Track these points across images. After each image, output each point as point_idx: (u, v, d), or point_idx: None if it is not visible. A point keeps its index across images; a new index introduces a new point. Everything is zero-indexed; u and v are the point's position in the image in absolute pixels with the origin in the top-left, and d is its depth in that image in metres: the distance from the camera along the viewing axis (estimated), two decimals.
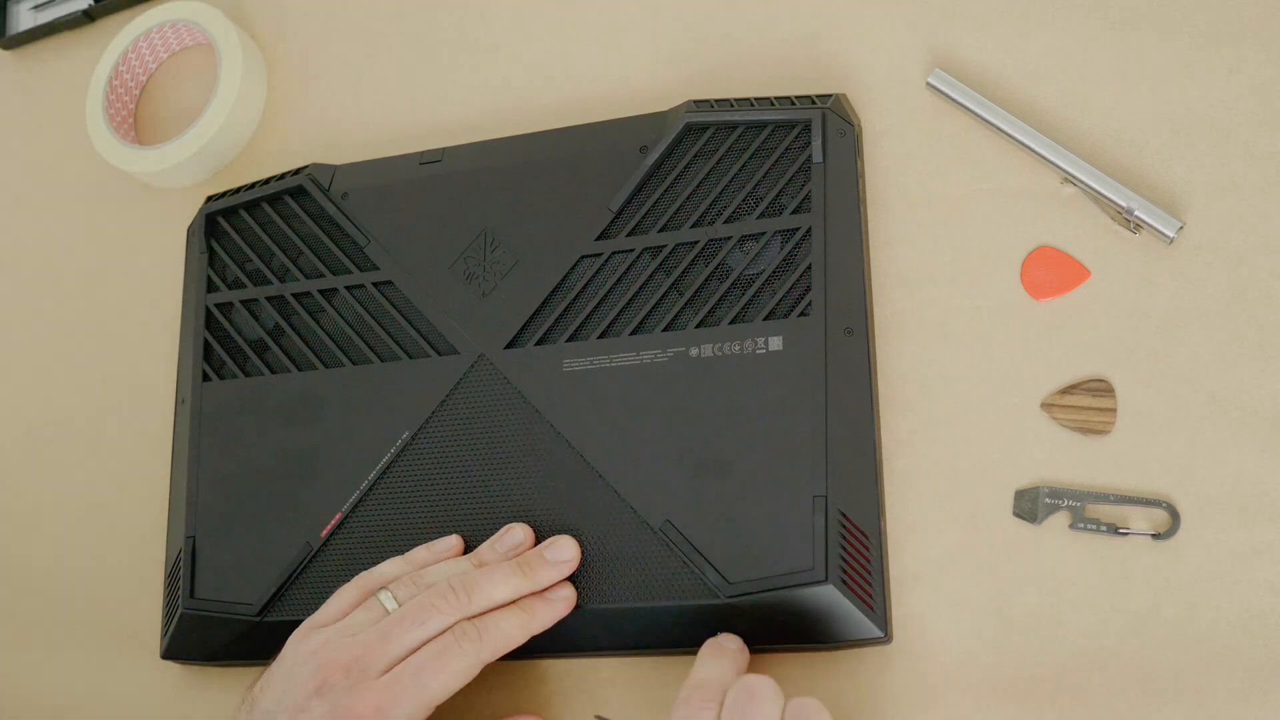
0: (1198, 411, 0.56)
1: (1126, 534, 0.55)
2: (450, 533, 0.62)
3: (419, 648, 0.56)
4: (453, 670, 0.55)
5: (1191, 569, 0.54)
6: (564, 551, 0.59)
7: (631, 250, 0.64)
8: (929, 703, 0.56)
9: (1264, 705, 0.52)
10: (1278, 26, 0.61)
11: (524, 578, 0.58)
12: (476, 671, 0.56)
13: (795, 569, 0.56)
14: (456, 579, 0.57)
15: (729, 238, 0.62)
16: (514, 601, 0.58)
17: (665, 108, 0.68)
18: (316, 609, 0.63)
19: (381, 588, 0.58)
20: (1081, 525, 0.56)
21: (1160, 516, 0.55)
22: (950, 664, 0.56)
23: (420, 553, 0.61)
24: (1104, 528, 0.56)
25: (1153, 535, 0.55)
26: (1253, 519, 0.54)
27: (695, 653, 0.58)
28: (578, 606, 0.59)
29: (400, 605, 0.57)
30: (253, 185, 0.74)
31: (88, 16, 0.86)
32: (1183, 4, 0.62)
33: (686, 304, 0.62)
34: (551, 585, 0.58)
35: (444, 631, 0.56)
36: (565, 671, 0.61)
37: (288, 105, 0.80)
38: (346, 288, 0.69)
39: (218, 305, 0.72)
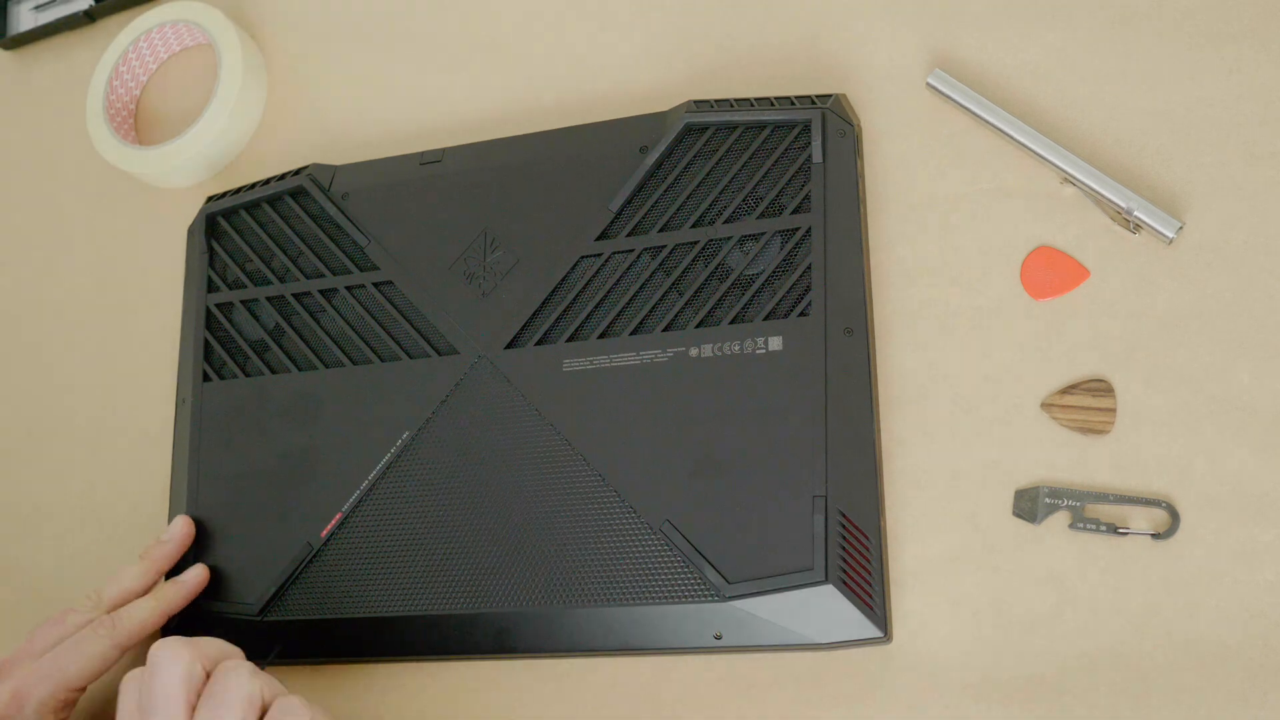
0: (1198, 411, 0.56)
1: (1126, 534, 0.55)
2: (449, 531, 0.62)
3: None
4: (89, 654, 0.61)
5: (1191, 569, 0.54)
6: (172, 529, 0.67)
7: (631, 250, 0.64)
8: (929, 702, 0.56)
9: (1264, 705, 0.52)
10: (1278, 26, 0.61)
11: (145, 562, 0.66)
12: (116, 655, 0.62)
13: (795, 569, 0.56)
14: (95, 588, 0.65)
15: (729, 238, 0.62)
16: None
17: (665, 108, 0.68)
18: (317, 608, 0.64)
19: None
20: (1081, 525, 0.56)
21: (1160, 516, 0.55)
22: (950, 664, 0.56)
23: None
24: (1104, 528, 0.56)
25: (1153, 535, 0.55)
26: (1253, 519, 0.54)
27: (695, 653, 0.58)
28: (577, 606, 0.59)
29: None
30: (253, 185, 0.74)
31: (88, 17, 0.87)
32: (1183, 4, 0.62)
33: (686, 304, 0.62)
34: (187, 571, 0.66)
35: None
36: (565, 671, 0.61)
37: (288, 105, 0.80)
38: (347, 288, 0.69)
39: (218, 305, 0.72)
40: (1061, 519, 0.56)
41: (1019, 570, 0.56)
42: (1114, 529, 0.55)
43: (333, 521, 0.65)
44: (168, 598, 0.64)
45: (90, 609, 0.63)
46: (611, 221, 0.65)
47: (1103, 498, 0.56)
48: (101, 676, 0.62)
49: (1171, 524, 0.55)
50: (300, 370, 0.69)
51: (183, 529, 0.67)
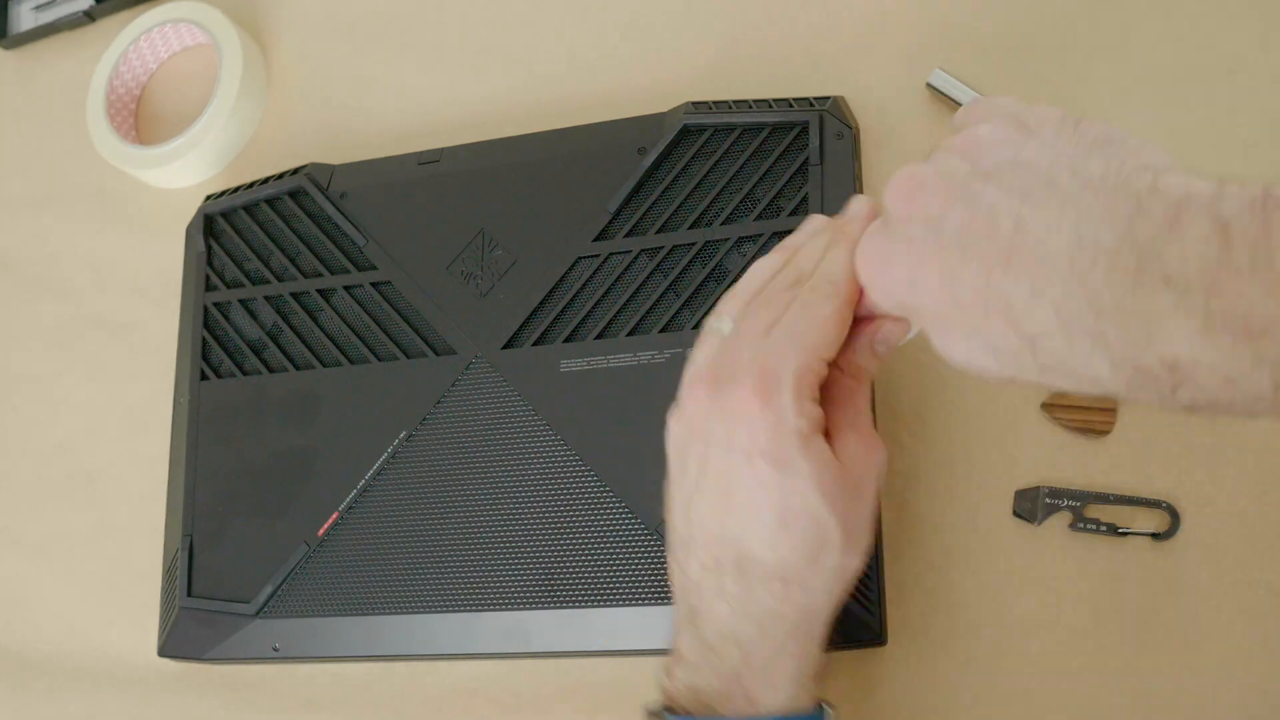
0: None
1: (1127, 534, 0.55)
2: (447, 531, 0.62)
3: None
4: (822, 315, 0.47)
5: (1191, 569, 0.54)
6: (855, 208, 0.49)
7: (629, 251, 0.64)
8: (929, 703, 0.55)
9: (1264, 705, 0.51)
10: (1278, 26, 0.60)
11: (835, 234, 0.49)
12: (847, 313, 0.47)
13: None
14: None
15: (726, 239, 0.62)
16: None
17: (665, 108, 0.68)
18: (312, 609, 0.63)
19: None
20: (1082, 525, 0.56)
21: (1160, 516, 0.55)
22: (950, 665, 0.56)
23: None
24: (1104, 528, 0.55)
25: (1153, 535, 0.55)
26: (1253, 519, 0.54)
27: None
28: (572, 606, 0.59)
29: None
30: (251, 185, 0.74)
31: (88, 16, 0.87)
32: (1183, 4, 0.62)
33: (684, 305, 0.62)
34: (851, 205, 0.50)
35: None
36: (565, 671, 0.61)
37: (288, 105, 0.80)
38: (344, 287, 0.69)
39: (216, 304, 0.72)
40: (1062, 519, 0.56)
41: (1019, 570, 0.56)
42: (1115, 529, 0.55)
43: (329, 520, 0.64)
44: (850, 235, 0.48)
45: (788, 284, 0.48)
46: (609, 222, 0.65)
47: (1103, 498, 0.56)
48: (841, 341, 0.48)
49: (1172, 524, 0.55)
50: (298, 369, 0.68)
51: (867, 208, 0.49)
